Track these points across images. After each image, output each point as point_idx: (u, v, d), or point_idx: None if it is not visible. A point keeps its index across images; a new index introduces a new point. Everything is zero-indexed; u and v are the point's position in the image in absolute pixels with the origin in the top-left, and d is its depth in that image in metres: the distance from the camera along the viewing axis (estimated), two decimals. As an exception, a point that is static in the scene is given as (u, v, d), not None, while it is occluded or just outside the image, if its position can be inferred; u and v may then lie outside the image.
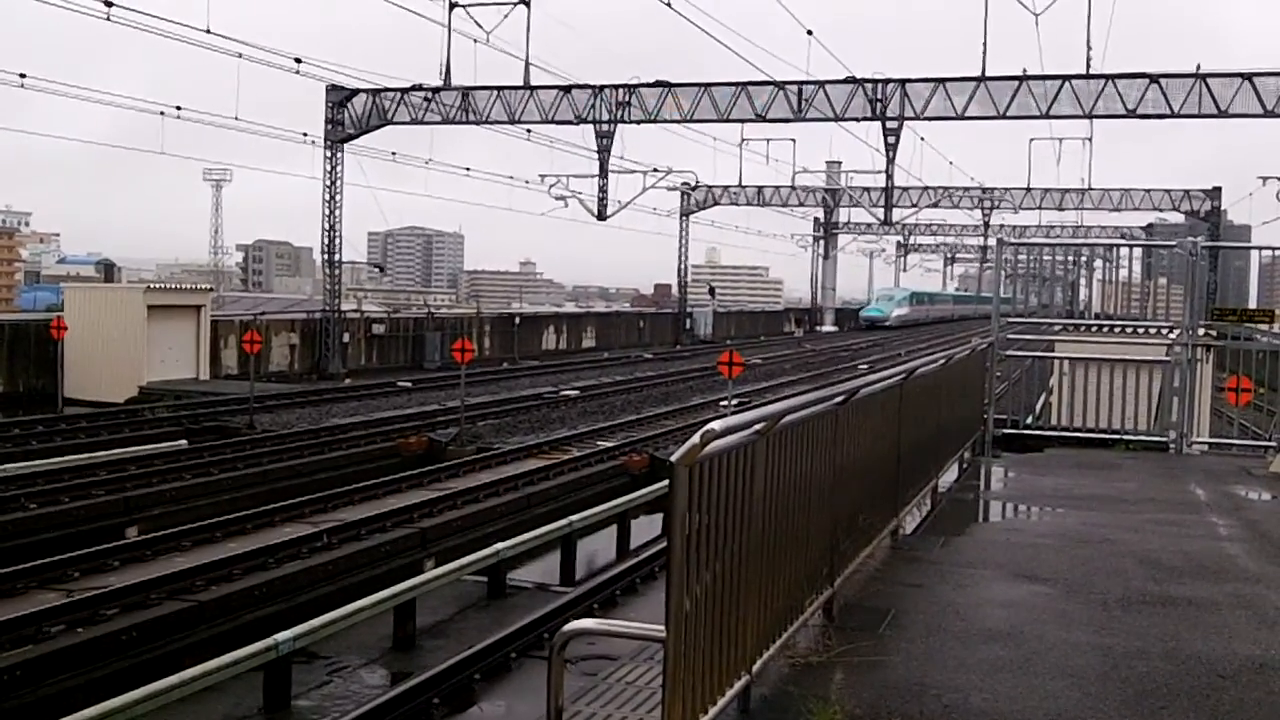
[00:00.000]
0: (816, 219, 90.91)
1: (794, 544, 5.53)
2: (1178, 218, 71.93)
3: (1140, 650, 6.33)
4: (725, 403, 27.94)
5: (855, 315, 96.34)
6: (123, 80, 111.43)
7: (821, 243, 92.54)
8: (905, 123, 37.45)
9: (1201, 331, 14.80)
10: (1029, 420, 15.99)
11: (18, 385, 32.92)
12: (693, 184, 63.56)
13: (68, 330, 31.53)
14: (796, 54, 65.70)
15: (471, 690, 11.32)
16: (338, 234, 41.61)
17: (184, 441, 24.61)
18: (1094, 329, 17.72)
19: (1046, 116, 36.12)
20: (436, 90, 39.40)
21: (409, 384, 36.55)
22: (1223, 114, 33.80)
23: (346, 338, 42.75)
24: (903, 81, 36.77)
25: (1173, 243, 17.14)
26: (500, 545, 15.47)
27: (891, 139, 37.84)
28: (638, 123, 39.55)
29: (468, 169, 51.03)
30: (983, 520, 10.60)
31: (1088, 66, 34.51)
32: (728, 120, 39.47)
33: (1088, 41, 34.43)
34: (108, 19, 29.63)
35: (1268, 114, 33.31)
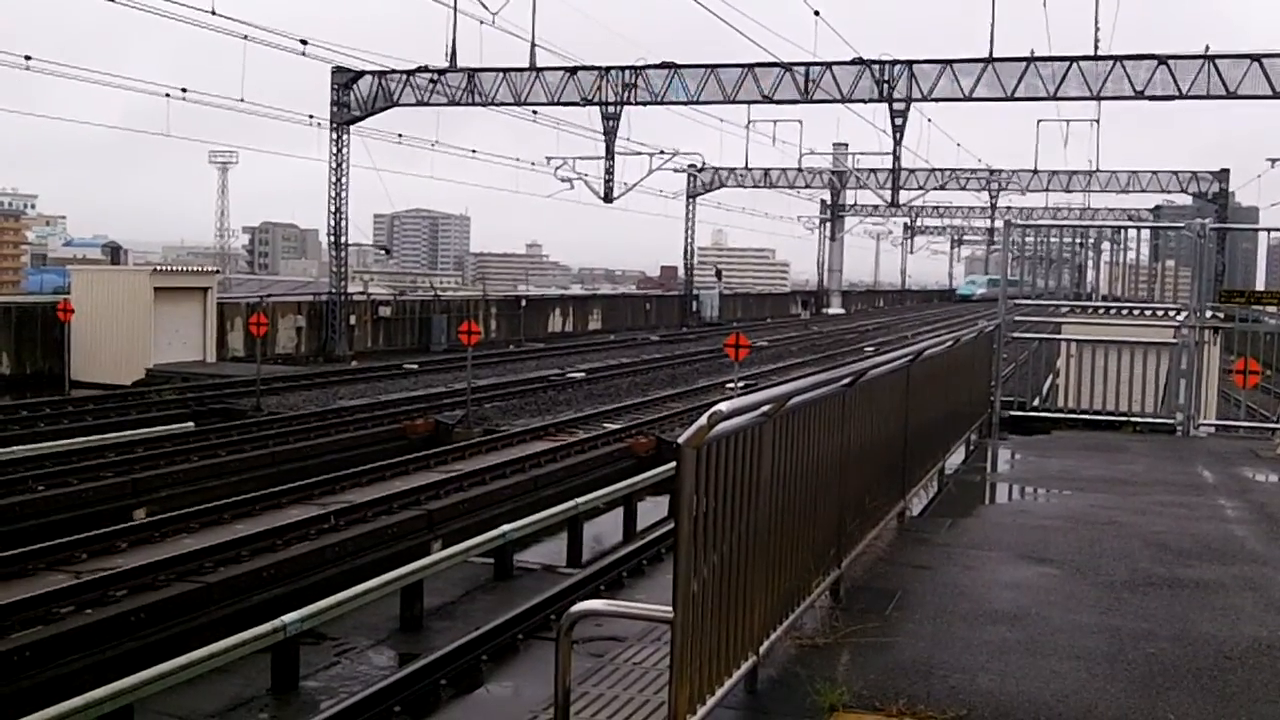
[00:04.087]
0: (823, 201, 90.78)
1: (801, 526, 5.53)
2: (1185, 200, 71.74)
3: (1147, 632, 6.33)
4: (732, 385, 27.94)
5: (942, 292, 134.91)
6: (141, 64, 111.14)
7: (828, 225, 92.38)
8: (912, 104, 37.26)
9: (1209, 314, 14.77)
10: (1036, 402, 15.96)
11: (25, 368, 32.99)
12: (699, 166, 63.46)
13: (74, 313, 31.61)
14: (804, 35, 65.74)
15: (479, 671, 11.34)
16: (343, 216, 41.57)
17: (191, 424, 24.68)
18: (1101, 311, 17.68)
19: (1054, 98, 35.95)
20: (442, 72, 39.30)
21: (415, 366, 36.58)
22: (1231, 95, 33.62)
23: (353, 320, 42.76)
24: (910, 63, 36.62)
25: (1180, 224, 17.09)
26: (507, 527, 15.50)
27: (898, 120, 37.66)
28: (644, 104, 39.41)
29: (474, 151, 51.03)
30: (990, 502, 10.59)
31: (1095, 48, 34.36)
32: (734, 102, 39.31)
33: (1095, 22, 34.26)
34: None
35: (1276, 95, 33.13)
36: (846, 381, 6.13)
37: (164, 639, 11.92)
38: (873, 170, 65.40)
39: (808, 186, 77.81)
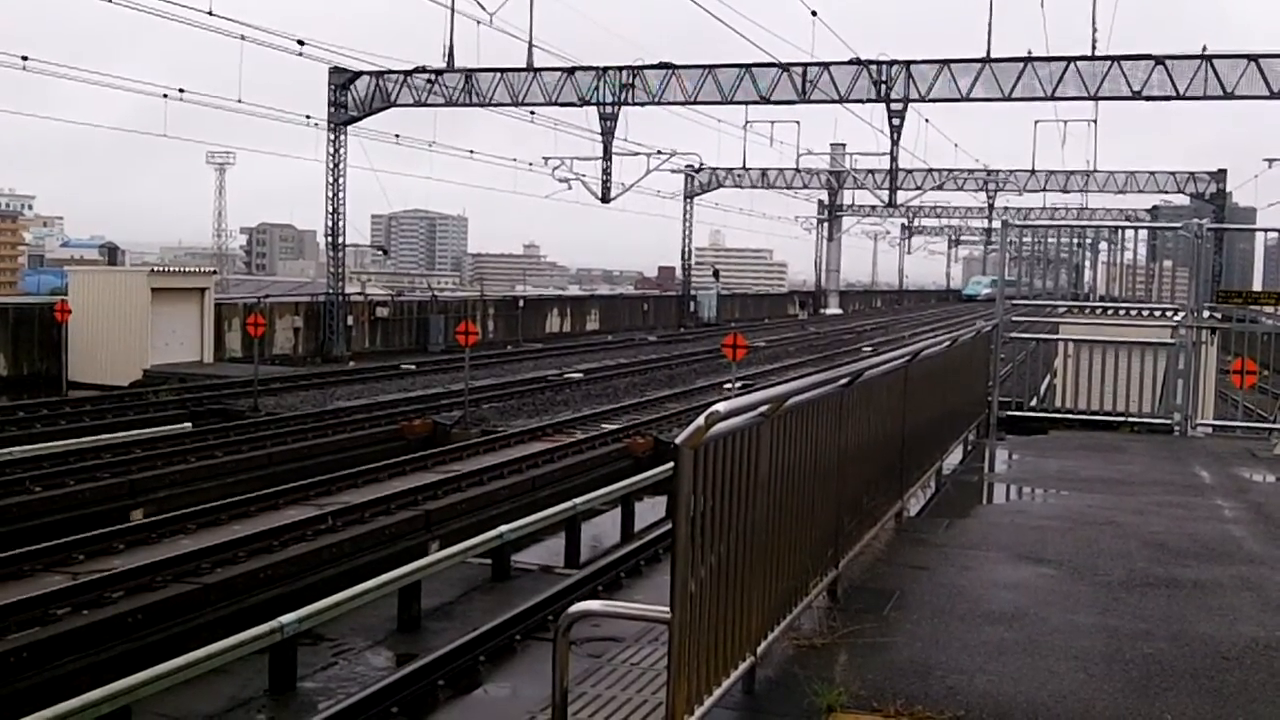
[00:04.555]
0: (821, 201, 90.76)
1: (799, 526, 5.53)
2: (1183, 200, 71.77)
3: (1145, 632, 6.33)
4: (729, 385, 27.94)
5: (940, 293, 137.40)
6: (139, 65, 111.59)
7: (826, 225, 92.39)
8: (910, 104, 37.27)
9: (1206, 314, 14.77)
10: (1033, 402, 15.97)
11: (22, 369, 32.96)
12: (697, 166, 63.42)
13: (72, 313, 31.58)
14: (801, 35, 65.92)
15: (476, 672, 11.34)
16: (341, 217, 41.56)
17: (188, 424, 24.66)
18: (1099, 311, 17.69)
19: (1052, 98, 35.98)
20: (440, 72, 39.30)
21: (413, 367, 36.57)
22: (1228, 95, 33.65)
23: (350, 320, 42.73)
24: (907, 63, 36.63)
25: (1178, 225, 17.09)
26: (505, 528, 15.48)
27: (896, 121, 37.67)
28: (641, 105, 39.41)
29: (471, 151, 51.04)
30: (987, 502, 10.59)
31: (1093, 48, 34.41)
32: (732, 102, 39.31)
33: (1093, 23, 34.34)
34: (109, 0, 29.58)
35: (1273, 95, 33.17)
36: (844, 382, 6.13)
37: (161, 640, 11.91)
38: (870, 170, 65.44)
39: (805, 187, 77.88)
